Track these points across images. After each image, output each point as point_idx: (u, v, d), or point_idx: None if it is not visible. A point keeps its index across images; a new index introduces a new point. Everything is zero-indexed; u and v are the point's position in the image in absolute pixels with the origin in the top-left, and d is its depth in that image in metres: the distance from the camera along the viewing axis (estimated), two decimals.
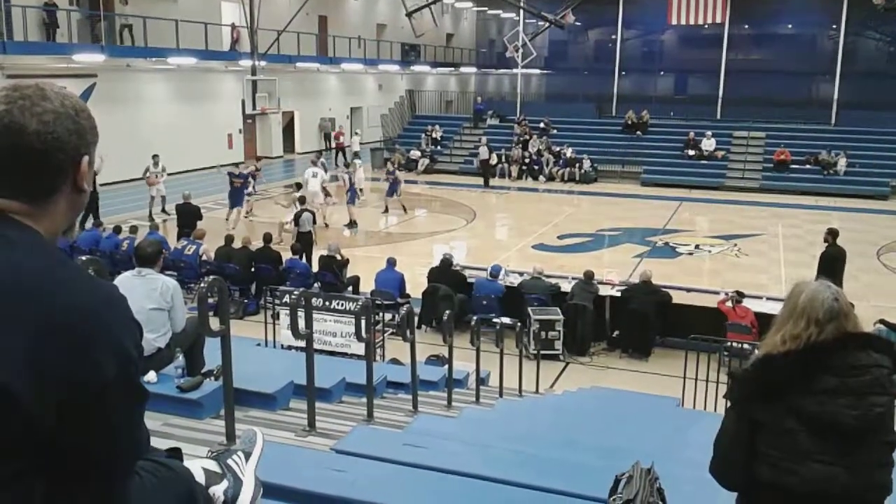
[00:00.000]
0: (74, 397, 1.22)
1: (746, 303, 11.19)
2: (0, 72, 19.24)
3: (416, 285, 12.73)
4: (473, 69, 48.64)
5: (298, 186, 19.05)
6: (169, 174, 22.23)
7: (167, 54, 24.70)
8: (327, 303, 9.33)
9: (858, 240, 18.17)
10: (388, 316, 11.05)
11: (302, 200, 16.28)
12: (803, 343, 2.20)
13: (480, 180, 27.70)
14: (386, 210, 21.91)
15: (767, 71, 36.99)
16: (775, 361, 2.23)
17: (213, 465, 1.92)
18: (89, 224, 15.19)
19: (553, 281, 12.54)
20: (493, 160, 28.90)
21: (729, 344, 10.03)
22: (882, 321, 9.31)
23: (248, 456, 2.03)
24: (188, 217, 16.12)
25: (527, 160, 29.88)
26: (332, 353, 8.78)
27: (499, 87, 50.95)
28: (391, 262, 12.70)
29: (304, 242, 14.77)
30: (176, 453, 1.75)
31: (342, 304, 9.29)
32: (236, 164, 21.69)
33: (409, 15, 32.60)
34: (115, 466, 1.33)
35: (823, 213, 22.86)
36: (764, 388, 2.23)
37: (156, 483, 1.57)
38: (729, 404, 2.43)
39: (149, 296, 5.15)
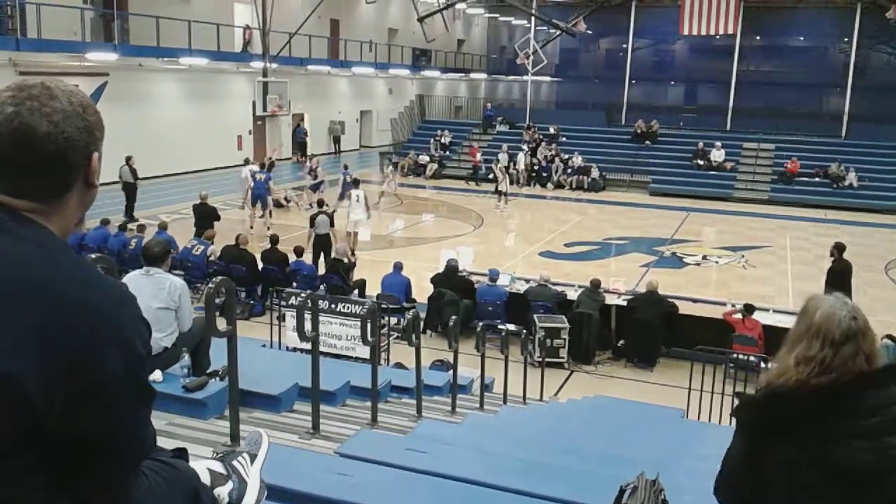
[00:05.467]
0: (82, 394, 1.22)
1: (754, 314, 11.15)
2: (13, 68, 19.35)
3: (422, 290, 12.73)
4: (484, 75, 48.73)
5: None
6: (178, 174, 22.32)
7: (179, 54, 24.83)
8: (333, 306, 9.33)
9: (866, 254, 18.12)
10: (393, 320, 11.05)
11: (320, 203, 16.14)
12: (817, 366, 2.08)
13: (488, 186, 27.64)
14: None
15: (778, 83, 36.96)
16: (787, 399, 2.11)
17: (218, 467, 1.92)
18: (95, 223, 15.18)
19: (559, 289, 12.52)
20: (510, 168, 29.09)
21: (735, 356, 9.99)
22: (889, 336, 9.27)
23: (253, 458, 2.03)
24: (205, 217, 16.13)
25: (535, 167, 29.88)
26: (336, 356, 8.78)
27: (509, 94, 50.98)
28: (398, 267, 12.70)
29: (320, 245, 14.73)
30: (182, 454, 1.75)
31: (348, 308, 9.30)
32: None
33: (420, 20, 32.65)
34: (120, 464, 1.33)
35: (832, 226, 22.79)
36: (773, 423, 2.13)
37: (161, 483, 1.57)
38: (736, 426, 2.32)
39: (156, 295, 5.16)
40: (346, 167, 22.32)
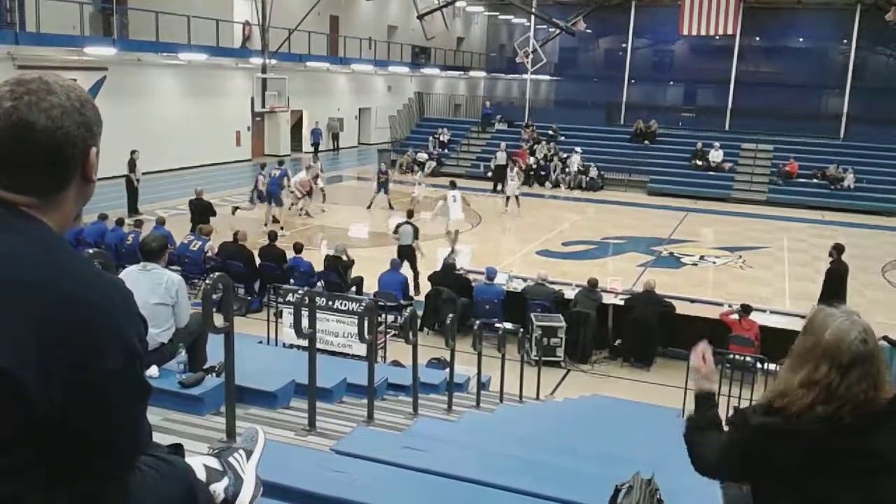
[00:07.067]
0: (80, 391, 1.22)
1: (750, 315, 11.16)
2: (11, 62, 19.30)
3: (420, 287, 12.72)
4: (483, 73, 48.69)
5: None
6: (176, 169, 22.28)
7: (178, 49, 24.78)
8: (331, 303, 9.32)
9: (864, 255, 18.15)
10: (390, 318, 11.05)
11: (409, 214, 15.50)
12: (823, 392, 1.95)
13: (486, 184, 27.65)
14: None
15: (777, 84, 36.94)
16: (784, 437, 1.98)
17: (214, 463, 1.92)
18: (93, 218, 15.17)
19: (556, 287, 12.53)
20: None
21: (731, 356, 10.00)
22: (885, 337, 9.28)
23: (249, 454, 2.03)
24: (201, 212, 16.13)
25: (534, 166, 29.86)
26: (333, 353, 8.78)
27: (508, 92, 50.95)
28: (395, 264, 12.68)
29: (402, 256, 13.90)
30: (178, 450, 1.75)
31: (345, 305, 9.29)
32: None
33: (420, 17, 32.61)
34: (116, 460, 1.33)
35: (829, 227, 22.80)
36: (767, 457, 2.01)
37: (157, 478, 1.57)
38: (727, 435, 2.19)
39: (153, 290, 5.15)
40: (382, 164, 24.01)
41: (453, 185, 17.93)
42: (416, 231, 14.51)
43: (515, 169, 24.37)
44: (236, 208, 20.17)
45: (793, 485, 1.98)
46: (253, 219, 19.53)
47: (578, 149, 29.90)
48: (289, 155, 24.45)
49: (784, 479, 1.99)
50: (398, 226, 14.91)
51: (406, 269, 13.07)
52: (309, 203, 21.09)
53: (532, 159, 30.05)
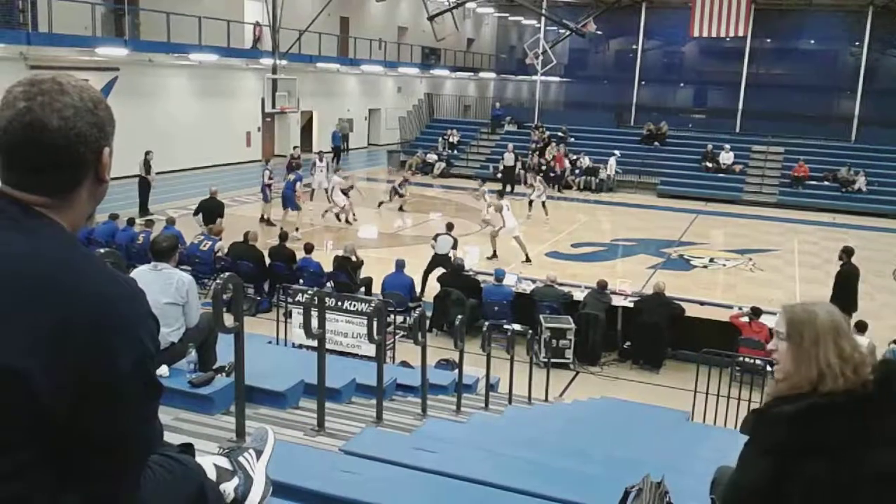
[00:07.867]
0: (90, 388, 1.23)
1: (761, 318, 11.12)
2: (24, 62, 19.41)
3: (428, 289, 12.70)
4: (493, 75, 48.70)
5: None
6: (187, 169, 22.20)
7: (189, 50, 24.87)
8: (340, 303, 9.34)
9: (875, 259, 18.04)
10: (398, 319, 11.04)
11: (449, 227, 15.23)
12: (851, 362, 2.01)
13: (495, 185, 27.60)
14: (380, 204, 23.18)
15: (788, 86, 36.81)
16: (826, 411, 1.96)
17: (224, 462, 1.93)
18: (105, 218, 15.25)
19: (566, 289, 12.51)
20: (518, 168, 28.86)
21: (741, 359, 9.96)
22: None
23: (259, 454, 2.04)
24: (211, 212, 16.19)
25: (543, 167, 29.79)
26: (342, 354, 8.78)
27: (517, 94, 50.92)
28: (400, 266, 12.64)
29: (437, 263, 13.91)
30: (188, 449, 1.76)
31: (355, 305, 9.30)
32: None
33: (430, 19, 32.65)
34: (127, 459, 1.34)
35: (840, 230, 22.68)
36: (808, 440, 1.97)
37: (168, 477, 1.57)
38: (750, 448, 2.08)
39: (164, 290, 5.17)
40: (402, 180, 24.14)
41: (502, 195, 18.22)
42: (455, 242, 14.52)
43: (539, 178, 23.91)
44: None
45: (833, 459, 1.95)
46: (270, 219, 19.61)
47: (617, 152, 29.60)
48: (297, 148, 24.54)
49: (835, 458, 1.95)
50: (437, 235, 14.85)
51: (411, 271, 13.04)
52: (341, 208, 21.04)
53: (538, 159, 30.00)
